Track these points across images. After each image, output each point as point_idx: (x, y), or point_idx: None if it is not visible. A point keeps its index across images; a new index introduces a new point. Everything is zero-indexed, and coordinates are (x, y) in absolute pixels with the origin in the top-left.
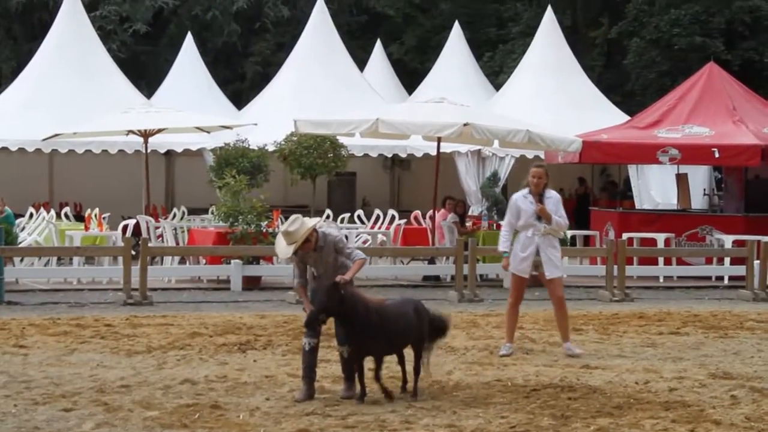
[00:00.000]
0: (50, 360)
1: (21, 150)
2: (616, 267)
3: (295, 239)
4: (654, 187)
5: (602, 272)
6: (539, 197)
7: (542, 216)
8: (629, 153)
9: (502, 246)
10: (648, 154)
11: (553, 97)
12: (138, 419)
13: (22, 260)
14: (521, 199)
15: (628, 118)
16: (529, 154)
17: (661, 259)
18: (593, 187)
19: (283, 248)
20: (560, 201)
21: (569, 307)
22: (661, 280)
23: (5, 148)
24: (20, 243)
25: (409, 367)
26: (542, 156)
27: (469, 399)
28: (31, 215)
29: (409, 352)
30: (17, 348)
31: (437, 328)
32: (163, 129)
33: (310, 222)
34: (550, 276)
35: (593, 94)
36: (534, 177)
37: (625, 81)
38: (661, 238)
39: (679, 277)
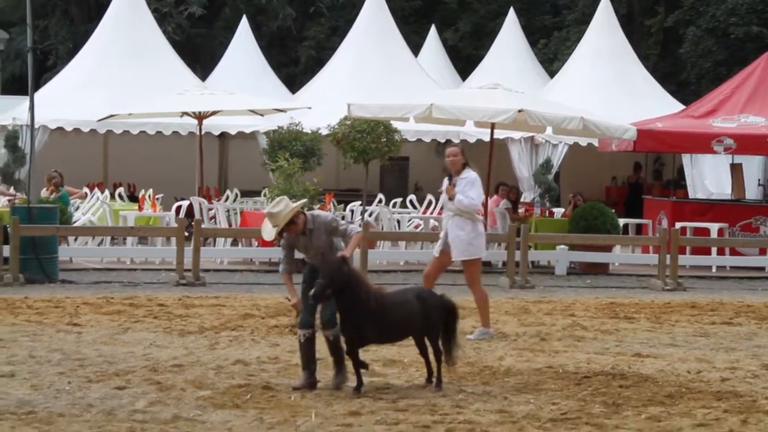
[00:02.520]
0: (104, 338)
1: (76, 130)
2: (668, 256)
3: (278, 221)
4: (708, 177)
5: (655, 261)
6: (450, 177)
7: (450, 196)
8: (684, 142)
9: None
10: (703, 143)
11: (607, 86)
12: (190, 398)
13: (76, 239)
14: (444, 181)
15: (683, 107)
16: (583, 142)
17: (714, 249)
18: (647, 175)
19: (268, 230)
20: (475, 181)
21: (622, 296)
22: (714, 270)
23: (61, 129)
24: (74, 222)
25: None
26: (596, 144)
27: (520, 385)
28: (86, 195)
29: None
30: (71, 326)
31: (448, 311)
32: (218, 111)
33: (296, 203)
34: (454, 258)
35: (648, 83)
36: (449, 156)
37: (681, 70)
38: (714, 227)
39: (732, 268)
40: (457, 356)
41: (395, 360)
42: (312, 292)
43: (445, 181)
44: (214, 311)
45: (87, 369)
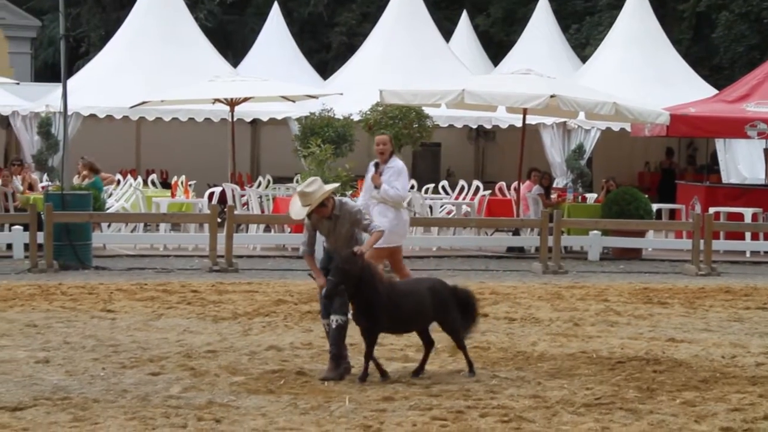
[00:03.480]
0: (137, 324)
1: (109, 117)
2: (702, 241)
3: (310, 201)
4: (741, 162)
5: (688, 246)
6: (376, 165)
7: (375, 184)
8: (717, 127)
9: None
10: (736, 128)
11: (640, 71)
12: (224, 384)
13: (109, 226)
14: (370, 167)
15: (716, 92)
16: (615, 127)
17: (748, 234)
18: (680, 161)
19: (297, 209)
20: (402, 171)
21: (656, 281)
22: (748, 255)
23: (93, 116)
24: (108, 209)
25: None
26: (628, 129)
27: (553, 370)
28: (119, 182)
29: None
30: (105, 312)
31: (463, 302)
32: (249, 98)
33: (329, 186)
34: (378, 245)
35: (681, 68)
36: (378, 144)
37: (713, 55)
38: (748, 212)
39: (765, 252)
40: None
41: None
42: (324, 291)
43: (371, 169)
44: (247, 297)
45: (121, 355)
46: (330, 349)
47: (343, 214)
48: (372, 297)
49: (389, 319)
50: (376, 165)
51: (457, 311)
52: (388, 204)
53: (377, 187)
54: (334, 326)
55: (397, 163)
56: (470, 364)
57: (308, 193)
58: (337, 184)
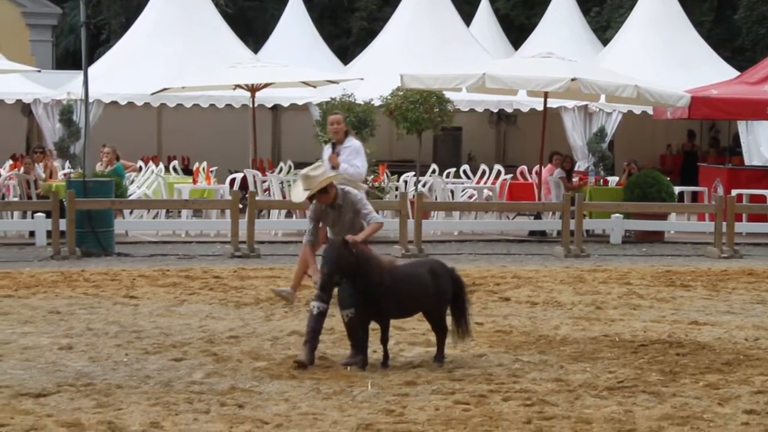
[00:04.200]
0: (160, 310)
1: (130, 104)
2: (724, 223)
3: (311, 185)
4: (764, 144)
5: (711, 228)
6: (333, 145)
7: (333, 165)
8: (739, 108)
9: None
10: (758, 109)
11: (661, 53)
12: (247, 369)
13: (131, 213)
14: (325, 148)
15: (738, 74)
16: (637, 110)
17: None
18: (702, 143)
19: (299, 192)
20: (360, 150)
21: (678, 264)
22: None
23: (115, 103)
24: (130, 196)
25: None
26: (650, 112)
27: (576, 354)
28: (140, 168)
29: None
30: (128, 299)
31: (457, 285)
32: (270, 83)
33: (333, 173)
34: None
35: (702, 50)
36: (332, 124)
37: (735, 36)
38: None
39: None
40: (468, 329)
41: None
42: (319, 282)
43: (328, 150)
44: (270, 282)
45: (144, 341)
46: (349, 341)
47: (347, 203)
48: (372, 285)
49: (396, 304)
50: (333, 145)
51: (451, 296)
52: (348, 185)
53: (335, 167)
54: (345, 320)
55: (354, 142)
56: (441, 351)
57: (312, 176)
58: (339, 174)
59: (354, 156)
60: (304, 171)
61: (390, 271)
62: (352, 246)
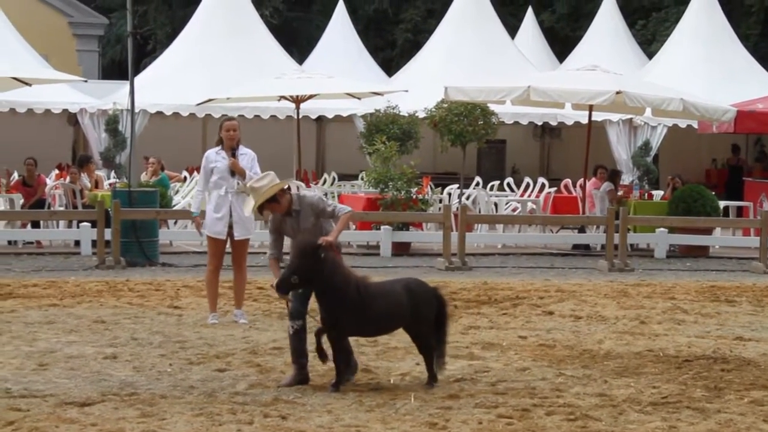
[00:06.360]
0: (204, 321)
1: (175, 114)
2: None
3: (257, 196)
4: None
5: (756, 244)
6: (232, 152)
7: (235, 171)
8: None
9: (194, 207)
10: None
11: (706, 67)
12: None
13: (176, 223)
14: (213, 155)
15: None
16: (682, 124)
17: None
18: (747, 157)
19: (249, 206)
20: (255, 159)
21: (723, 279)
22: None
23: (160, 113)
24: (174, 206)
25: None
26: (695, 126)
27: (620, 368)
28: (185, 179)
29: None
30: (172, 309)
31: (439, 305)
32: (315, 95)
33: (283, 181)
34: (239, 237)
35: (748, 64)
36: (228, 130)
37: None
38: None
39: None
40: (444, 359)
41: (494, 343)
42: (275, 284)
43: (228, 158)
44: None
45: (188, 351)
46: (291, 357)
47: (304, 207)
48: (334, 293)
49: (363, 321)
50: (233, 153)
51: (433, 316)
52: (247, 193)
53: (241, 174)
54: (290, 332)
55: (249, 151)
56: (433, 374)
57: (256, 188)
58: (290, 180)
59: (253, 164)
60: (249, 183)
61: (361, 286)
62: (326, 249)
